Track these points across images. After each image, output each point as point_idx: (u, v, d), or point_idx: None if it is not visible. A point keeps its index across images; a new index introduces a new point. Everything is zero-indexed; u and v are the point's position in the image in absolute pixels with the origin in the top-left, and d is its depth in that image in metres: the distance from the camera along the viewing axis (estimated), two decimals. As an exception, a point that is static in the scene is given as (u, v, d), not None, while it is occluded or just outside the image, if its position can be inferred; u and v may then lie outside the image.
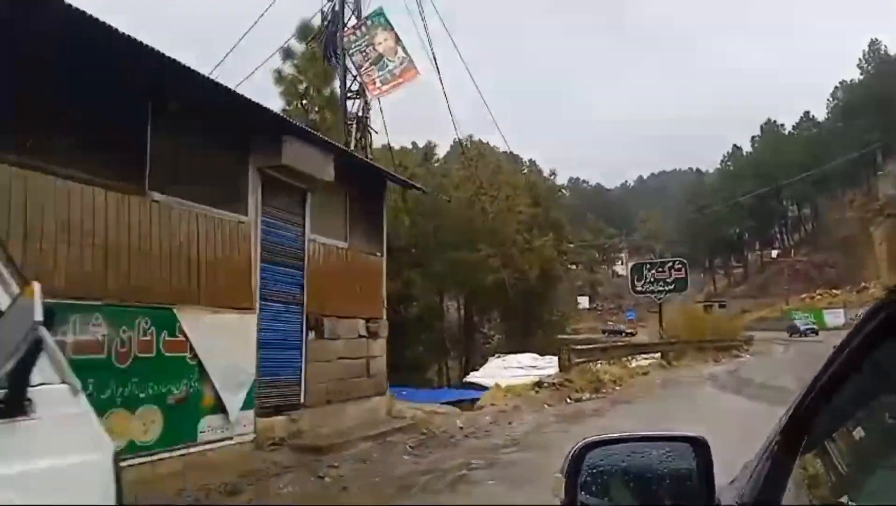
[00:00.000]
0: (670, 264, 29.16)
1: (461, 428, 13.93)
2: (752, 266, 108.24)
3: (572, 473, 1.61)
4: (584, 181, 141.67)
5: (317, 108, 21.20)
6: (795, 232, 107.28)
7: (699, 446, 1.61)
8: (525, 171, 57.44)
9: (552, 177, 55.00)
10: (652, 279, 28.47)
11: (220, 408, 9.19)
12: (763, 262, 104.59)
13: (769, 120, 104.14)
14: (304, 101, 21.76)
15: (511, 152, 55.68)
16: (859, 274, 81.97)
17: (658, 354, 26.82)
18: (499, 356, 40.50)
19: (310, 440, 10.71)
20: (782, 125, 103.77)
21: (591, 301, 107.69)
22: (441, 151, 48.74)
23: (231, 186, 10.17)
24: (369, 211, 14.03)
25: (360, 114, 16.06)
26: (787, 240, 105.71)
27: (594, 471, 1.63)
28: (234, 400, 9.34)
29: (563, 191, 59.28)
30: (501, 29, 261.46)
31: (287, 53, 21.98)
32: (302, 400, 11.31)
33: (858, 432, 1.36)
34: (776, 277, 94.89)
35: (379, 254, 14.20)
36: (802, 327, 64.43)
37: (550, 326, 61.36)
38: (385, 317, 14.33)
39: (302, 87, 21.79)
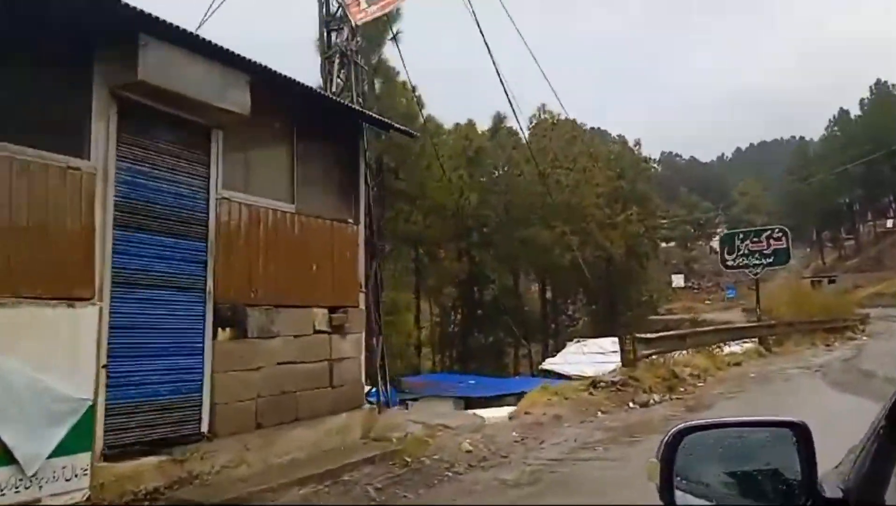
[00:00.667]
0: (768, 233, 23.79)
1: (468, 451, 10.07)
2: (865, 238, 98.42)
3: (667, 458, 1.54)
4: (677, 154, 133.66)
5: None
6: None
7: (800, 431, 1.54)
8: (606, 142, 52.19)
9: (637, 147, 49.53)
10: (746, 251, 23.39)
11: (6, 456, 5.68)
12: (877, 233, 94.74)
13: (879, 81, 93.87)
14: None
15: (594, 127, 50.69)
16: None
17: (756, 339, 22.03)
18: (578, 340, 36.22)
19: (203, 490, 7.10)
20: (894, 86, 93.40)
21: (686, 279, 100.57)
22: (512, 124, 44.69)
23: (60, 114, 6.64)
24: (336, 164, 10.29)
25: (345, 44, 12.19)
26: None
27: (690, 455, 1.55)
28: (31, 441, 5.80)
29: (651, 162, 53.42)
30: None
31: None
32: (204, 428, 7.71)
33: None
34: (892, 250, 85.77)
35: (352, 221, 10.37)
36: None
37: (640, 307, 56.25)
38: (363, 305, 10.52)
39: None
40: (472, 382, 31.44)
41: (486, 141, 38.74)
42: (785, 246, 23.28)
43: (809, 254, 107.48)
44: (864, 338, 27.63)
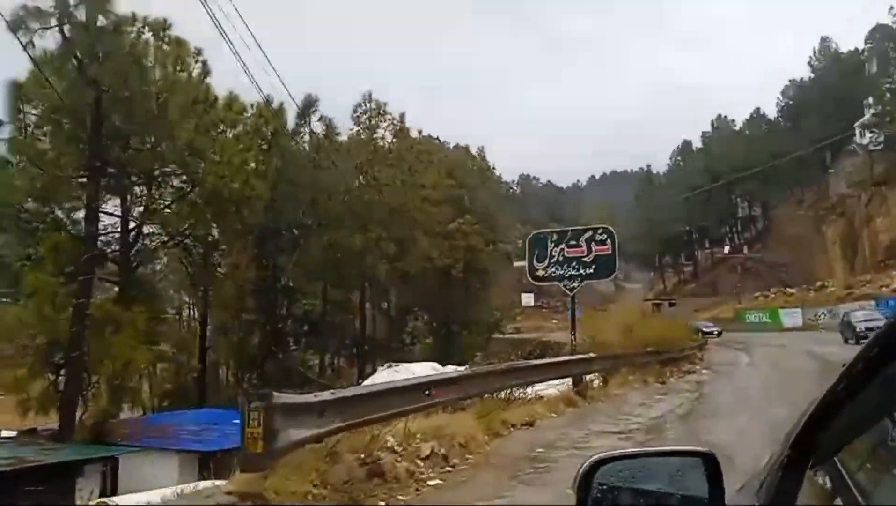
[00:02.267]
0: (589, 234, 16.76)
1: None
2: (703, 264, 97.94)
3: (583, 488, 1.54)
4: (534, 178, 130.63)
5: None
6: (746, 230, 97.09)
7: (708, 460, 1.56)
8: (444, 149, 45.33)
9: (481, 157, 43.01)
10: (561, 258, 17.29)
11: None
12: (714, 259, 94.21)
13: (720, 116, 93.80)
14: None
15: (431, 136, 43.82)
16: (811, 273, 72.42)
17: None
18: (390, 365, 29.14)
19: None
20: (733, 121, 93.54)
21: (537, 298, 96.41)
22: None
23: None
24: None
25: None
26: (737, 238, 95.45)
27: (604, 487, 1.56)
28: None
29: (495, 171, 46.75)
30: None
31: None
32: None
33: (868, 447, 1.30)
34: (727, 276, 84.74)
35: None
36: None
37: (479, 326, 50.03)
38: None
39: None
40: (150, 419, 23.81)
41: (289, 124, 31.15)
42: (610, 252, 16.87)
43: (653, 278, 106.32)
44: (704, 372, 22.07)
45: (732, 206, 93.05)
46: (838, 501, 1.27)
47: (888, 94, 65.31)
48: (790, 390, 13.42)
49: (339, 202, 30.98)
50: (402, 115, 33.07)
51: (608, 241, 17.47)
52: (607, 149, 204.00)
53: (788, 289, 68.47)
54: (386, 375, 26.37)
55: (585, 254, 17.02)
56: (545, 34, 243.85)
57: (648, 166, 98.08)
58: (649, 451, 1.84)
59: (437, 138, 41.67)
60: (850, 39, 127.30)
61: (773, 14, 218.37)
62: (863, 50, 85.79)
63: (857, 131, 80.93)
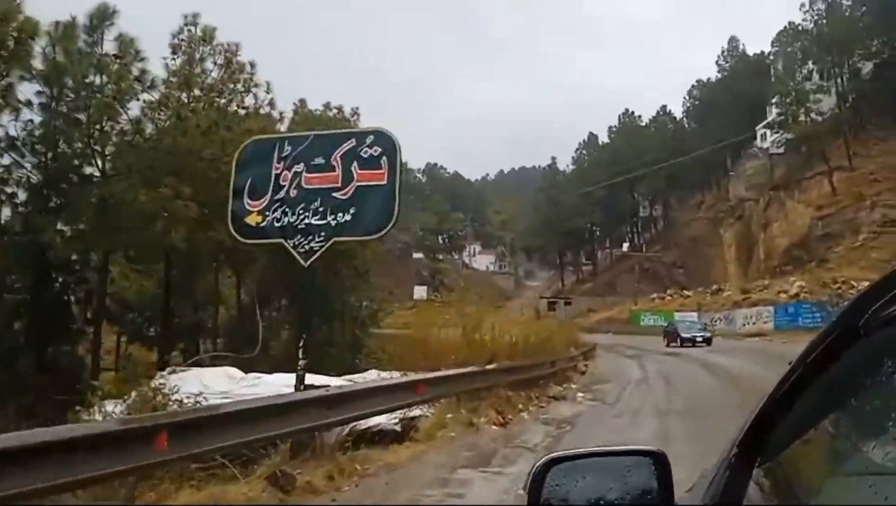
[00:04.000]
0: (350, 146, 8.87)
1: None
2: (602, 263, 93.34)
3: (535, 489, 1.50)
4: (441, 167, 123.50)
5: None
6: (647, 230, 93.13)
7: (658, 460, 1.53)
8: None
9: (354, 118, 34.05)
10: (294, 193, 8.60)
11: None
12: (613, 258, 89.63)
13: (627, 110, 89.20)
14: None
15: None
16: (708, 276, 68.72)
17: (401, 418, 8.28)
18: (174, 370, 20.77)
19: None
20: (639, 116, 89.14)
21: (431, 291, 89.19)
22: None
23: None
24: None
25: None
26: (637, 238, 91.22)
27: (556, 486, 1.52)
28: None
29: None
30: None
31: None
32: None
33: (814, 446, 1.29)
34: (625, 276, 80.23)
35: None
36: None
37: (347, 320, 42.03)
38: None
39: None
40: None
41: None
42: (386, 183, 8.65)
43: (552, 276, 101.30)
44: (579, 396, 14.98)
45: (634, 204, 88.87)
46: (784, 500, 1.28)
47: (793, 94, 61.43)
48: (696, 432, 8.83)
49: (126, 146, 22.53)
50: (237, 46, 24.52)
51: (383, 160, 8.88)
52: (518, 146, 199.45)
53: (685, 291, 63.87)
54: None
55: (341, 186, 8.88)
56: (466, 31, 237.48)
57: (553, 159, 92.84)
58: (600, 450, 1.62)
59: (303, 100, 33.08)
60: (758, 41, 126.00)
61: (686, 16, 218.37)
62: (769, 53, 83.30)
63: (759, 134, 78.37)
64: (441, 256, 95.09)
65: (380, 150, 8.95)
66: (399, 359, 12.77)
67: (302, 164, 9.17)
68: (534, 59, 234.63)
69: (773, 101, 67.48)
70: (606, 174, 77.56)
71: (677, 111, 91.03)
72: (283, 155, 9.30)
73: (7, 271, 23.54)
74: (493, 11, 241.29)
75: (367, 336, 37.61)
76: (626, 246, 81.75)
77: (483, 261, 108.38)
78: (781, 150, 71.87)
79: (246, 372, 14.46)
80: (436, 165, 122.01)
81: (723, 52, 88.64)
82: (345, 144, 9.16)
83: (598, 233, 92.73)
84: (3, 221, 23.52)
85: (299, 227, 8.97)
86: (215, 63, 25.18)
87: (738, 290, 56.70)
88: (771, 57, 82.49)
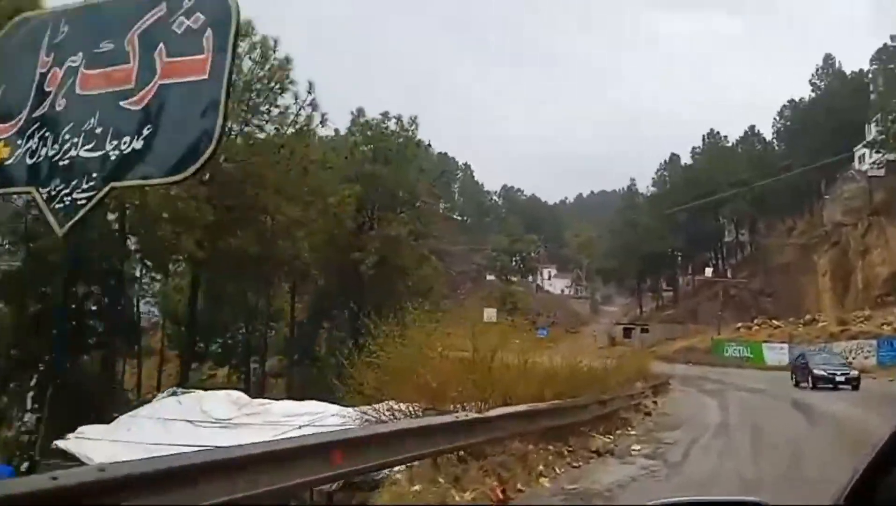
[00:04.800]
0: (152, 21, 5.30)
1: None
2: (684, 289, 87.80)
3: None
4: (518, 189, 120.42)
5: None
6: (732, 256, 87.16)
7: None
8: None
9: (413, 128, 31.40)
10: (66, 102, 5.39)
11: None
12: (695, 285, 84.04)
13: (712, 130, 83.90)
14: None
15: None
16: (799, 305, 63.05)
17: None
18: (175, 391, 18.81)
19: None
20: (725, 137, 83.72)
21: (507, 314, 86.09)
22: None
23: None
24: None
25: None
26: (722, 264, 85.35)
27: None
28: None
29: (424, 145, 34.80)
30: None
31: None
32: None
33: None
34: (708, 304, 74.89)
35: None
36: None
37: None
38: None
39: None
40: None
41: None
42: (211, 82, 5.08)
43: (630, 302, 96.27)
44: (636, 450, 11.67)
45: (719, 229, 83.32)
46: None
47: (894, 115, 55.83)
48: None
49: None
50: (276, 41, 22.49)
51: (207, 37, 5.32)
52: (598, 168, 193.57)
53: (774, 321, 58.38)
54: (148, 412, 16.19)
55: (134, 87, 5.45)
56: (542, 53, 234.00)
57: (633, 180, 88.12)
58: (704, 500, 1.75)
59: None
60: (856, 60, 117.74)
61: (774, 36, 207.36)
62: (868, 71, 76.99)
63: (857, 156, 72.31)
64: (515, 279, 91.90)
65: (203, 19, 5.42)
66: (384, 391, 10.09)
67: (80, 53, 5.85)
68: (615, 82, 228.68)
69: (874, 119, 61.61)
70: (689, 197, 72.87)
71: (766, 132, 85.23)
72: (56, 41, 5.98)
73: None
74: (570, 27, 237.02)
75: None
76: (709, 271, 76.27)
77: (558, 284, 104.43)
78: (882, 172, 65.83)
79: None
80: (512, 187, 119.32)
81: (817, 70, 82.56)
82: (148, 15, 5.68)
83: (679, 258, 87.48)
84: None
85: (61, 163, 5.68)
86: (252, 59, 23.17)
87: (834, 320, 51.32)
88: (870, 75, 76.55)
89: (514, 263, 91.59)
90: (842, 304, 61.47)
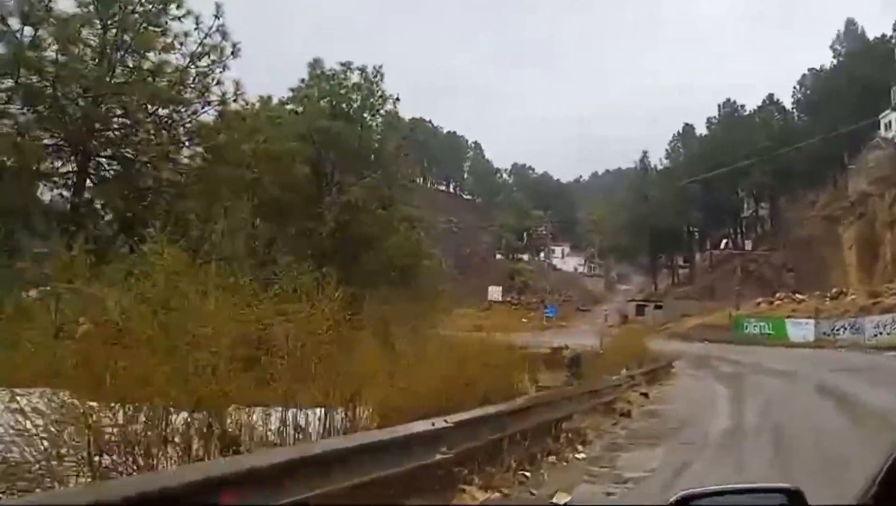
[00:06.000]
0: None
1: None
2: (701, 265, 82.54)
3: None
4: (529, 167, 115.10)
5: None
6: (751, 231, 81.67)
7: (794, 496, 1.53)
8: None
9: (378, 78, 25.66)
10: None
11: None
12: (713, 261, 78.70)
13: (728, 100, 78.00)
14: None
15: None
16: (823, 279, 58.09)
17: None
18: None
19: None
20: (742, 106, 77.86)
21: (516, 293, 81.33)
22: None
23: None
24: None
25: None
26: (741, 238, 79.90)
27: None
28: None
29: (390, 98, 28.34)
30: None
31: None
32: None
33: None
34: (727, 278, 69.90)
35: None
36: None
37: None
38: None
39: None
40: None
41: None
42: None
43: (646, 279, 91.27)
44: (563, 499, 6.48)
45: (737, 202, 77.81)
46: None
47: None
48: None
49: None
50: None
51: None
52: (614, 149, 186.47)
53: (798, 295, 53.36)
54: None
55: None
56: (561, 32, 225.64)
57: (645, 153, 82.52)
58: (736, 488, 1.61)
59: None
60: (879, 24, 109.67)
61: (791, 3, 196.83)
62: (891, 35, 70.75)
63: (883, 123, 66.55)
64: (525, 257, 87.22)
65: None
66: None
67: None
68: (634, 57, 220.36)
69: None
70: (704, 169, 67.66)
71: (786, 101, 79.26)
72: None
73: None
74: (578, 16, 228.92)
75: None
76: (725, 242, 70.96)
77: (572, 263, 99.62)
78: (911, 138, 60.23)
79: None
80: (524, 165, 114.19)
81: (838, 36, 76.41)
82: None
83: (695, 233, 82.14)
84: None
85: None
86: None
87: (865, 294, 46.20)
88: (894, 40, 70.39)
89: (521, 242, 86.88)
90: (869, 277, 56.42)
